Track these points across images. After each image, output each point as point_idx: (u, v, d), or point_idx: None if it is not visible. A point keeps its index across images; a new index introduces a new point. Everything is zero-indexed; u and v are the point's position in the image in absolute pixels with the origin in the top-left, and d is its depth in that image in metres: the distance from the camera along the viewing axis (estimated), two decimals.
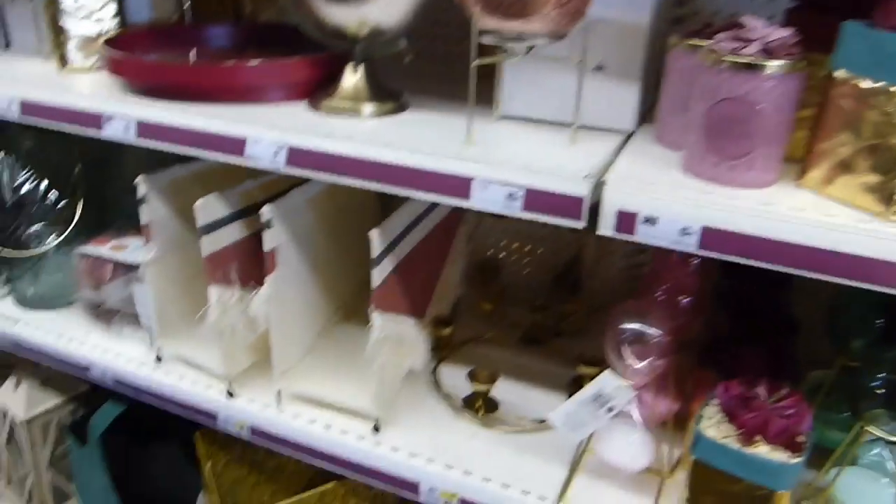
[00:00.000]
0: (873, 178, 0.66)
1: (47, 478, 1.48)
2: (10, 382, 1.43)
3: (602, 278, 1.26)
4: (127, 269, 1.14)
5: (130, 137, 0.93)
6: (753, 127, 0.69)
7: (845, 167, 0.69)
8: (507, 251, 1.37)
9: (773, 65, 0.66)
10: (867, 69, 0.65)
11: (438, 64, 1.25)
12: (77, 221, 1.22)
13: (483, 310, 1.28)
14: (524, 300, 1.32)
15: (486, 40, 0.78)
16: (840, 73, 0.68)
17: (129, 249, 1.16)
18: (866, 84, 0.65)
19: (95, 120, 0.95)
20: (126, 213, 1.28)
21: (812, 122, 0.72)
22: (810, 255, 0.64)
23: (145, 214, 1.03)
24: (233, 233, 1.00)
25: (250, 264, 1.01)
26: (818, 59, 0.70)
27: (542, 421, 1.01)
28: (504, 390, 1.07)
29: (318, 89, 0.95)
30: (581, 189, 0.71)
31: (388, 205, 1.34)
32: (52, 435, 1.44)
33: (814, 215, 0.66)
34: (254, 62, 0.93)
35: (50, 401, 1.42)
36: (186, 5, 1.27)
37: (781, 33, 0.69)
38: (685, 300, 0.94)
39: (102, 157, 1.29)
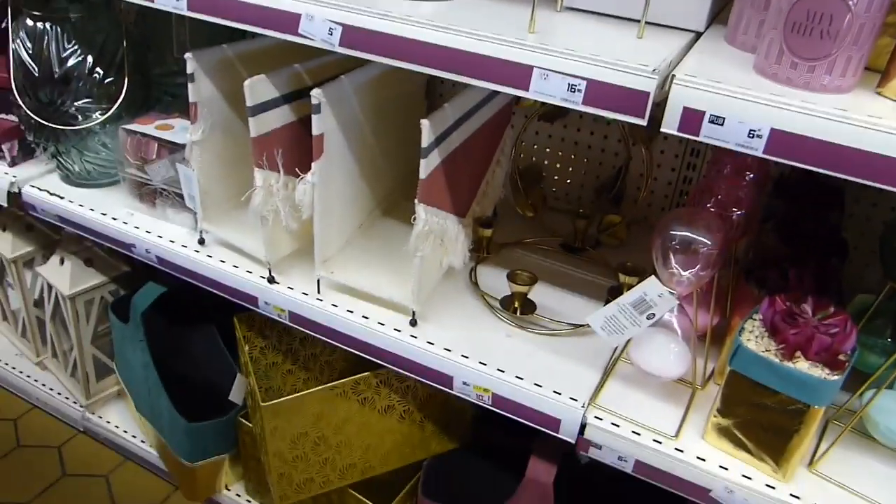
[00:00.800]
0: None
1: (90, 352, 1.54)
2: (54, 259, 1.47)
3: (646, 192, 1.23)
4: (172, 149, 1.14)
5: (182, 8, 0.90)
6: (840, 26, 0.65)
7: None
8: (552, 158, 1.34)
9: None
10: None
11: None
12: (123, 99, 1.21)
13: (524, 215, 1.27)
14: (566, 209, 1.31)
15: None
16: None
17: (175, 130, 1.16)
18: None
19: None
20: (171, 95, 1.28)
21: None
22: (886, 165, 0.62)
23: (193, 93, 1.02)
24: (281, 116, 0.98)
25: (296, 150, 1.01)
26: None
27: (578, 325, 1.02)
28: (541, 294, 1.07)
29: None
30: (647, 84, 0.68)
31: (434, 103, 1.32)
32: (96, 312, 1.49)
33: (893, 124, 0.63)
34: None
35: (93, 279, 1.46)
36: None
37: None
38: (736, 214, 0.92)
39: (148, 36, 1.27)
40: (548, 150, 1.34)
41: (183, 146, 1.07)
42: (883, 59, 0.71)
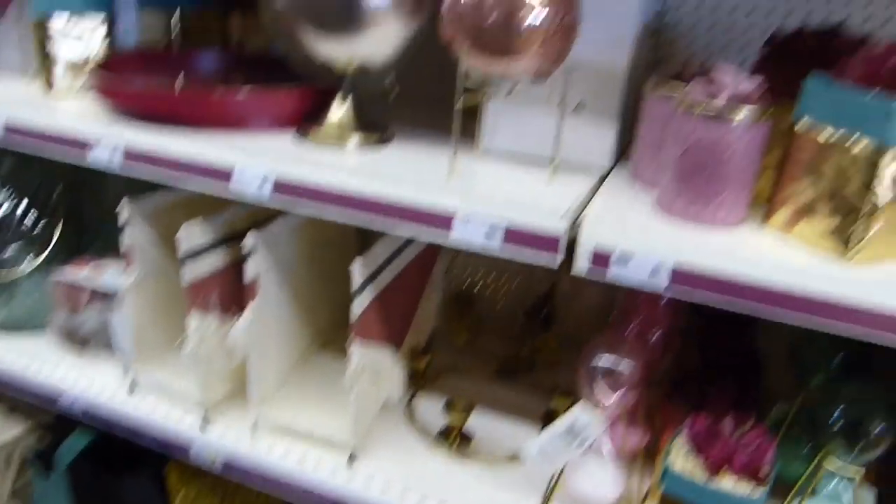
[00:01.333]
0: (833, 222, 0.70)
1: None
2: None
3: (575, 311, 1.28)
4: (104, 296, 1.13)
5: (115, 164, 0.93)
6: (722, 171, 0.72)
7: (808, 210, 0.72)
8: (483, 283, 1.39)
9: (741, 115, 0.70)
10: (827, 120, 0.70)
11: (423, 95, 1.28)
12: (55, 244, 1.22)
13: (459, 341, 1.30)
14: (499, 332, 1.35)
15: (472, 79, 0.81)
16: (803, 123, 0.72)
17: (108, 274, 1.16)
18: (826, 133, 0.70)
19: (81, 145, 0.95)
20: (106, 234, 1.28)
21: (778, 165, 0.76)
22: (771, 297, 0.67)
23: (127, 239, 1.03)
24: (215, 260, 1.01)
25: (231, 291, 1.02)
26: (786, 104, 0.74)
27: (516, 454, 1.03)
28: (478, 422, 1.08)
29: (305, 119, 0.98)
30: (558, 228, 0.74)
31: (367, 234, 1.36)
32: (15, 464, 1.41)
33: (776, 257, 0.70)
34: (243, 93, 0.95)
35: (16, 428, 1.39)
36: (175, 30, 1.29)
37: (750, 83, 0.73)
38: (655, 335, 0.97)
39: (83, 178, 1.29)
40: (479, 275, 1.39)
41: (115, 292, 1.07)
42: (770, 191, 0.78)
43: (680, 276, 0.69)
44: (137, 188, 1.08)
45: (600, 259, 0.72)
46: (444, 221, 0.78)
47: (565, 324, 1.30)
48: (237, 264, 0.99)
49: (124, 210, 1.03)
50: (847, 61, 0.72)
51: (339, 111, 0.95)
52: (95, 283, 1.14)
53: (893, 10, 0.99)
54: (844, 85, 0.69)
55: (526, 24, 0.75)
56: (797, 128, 0.72)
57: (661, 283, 0.70)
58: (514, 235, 0.76)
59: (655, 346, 0.96)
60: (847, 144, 0.68)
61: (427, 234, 0.80)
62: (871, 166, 0.66)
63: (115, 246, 1.09)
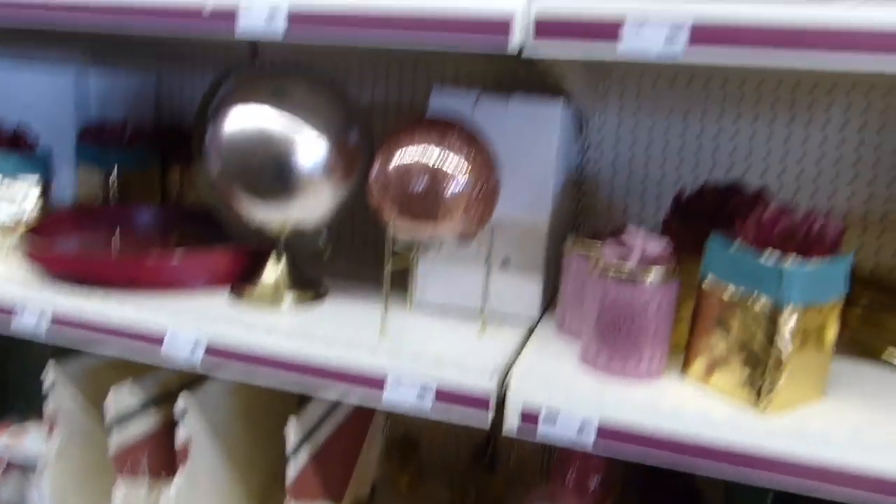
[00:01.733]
0: (744, 374, 0.74)
1: None
2: None
3: (519, 451, 1.28)
4: (22, 466, 1.08)
5: (42, 330, 0.92)
6: (638, 329, 0.76)
7: (721, 362, 0.76)
8: (426, 427, 1.38)
9: (651, 277, 0.75)
10: (729, 278, 0.75)
11: (358, 248, 1.32)
12: None
13: (402, 487, 1.27)
14: (443, 475, 1.32)
15: (400, 243, 0.85)
16: (708, 280, 0.77)
17: (29, 440, 1.11)
18: (729, 291, 0.75)
19: (6, 311, 0.94)
20: (31, 395, 1.24)
21: (692, 318, 0.81)
22: (691, 450, 0.69)
23: (51, 404, 1.00)
24: (144, 424, 0.98)
25: (161, 455, 0.99)
26: (695, 259, 0.79)
27: None
28: None
29: (240, 278, 0.99)
30: (488, 388, 0.75)
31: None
32: None
33: (695, 410, 0.72)
34: (176, 257, 0.96)
35: None
36: (113, 186, 1.31)
37: (657, 245, 0.78)
38: (594, 482, 0.97)
39: (6, 340, 1.26)
40: (421, 419, 1.38)
41: (35, 462, 1.02)
42: (685, 341, 0.82)
43: (605, 433, 0.71)
44: (65, 347, 1.06)
45: (529, 418, 0.73)
46: (376, 384, 0.79)
47: (509, 464, 1.29)
48: (168, 426, 0.97)
49: (49, 374, 1.00)
50: (743, 222, 0.78)
51: (273, 271, 0.97)
52: (13, 453, 1.08)
53: (785, 163, 1.09)
54: (741, 246, 0.75)
55: (449, 192, 0.80)
56: (704, 285, 0.78)
57: (589, 440, 0.71)
58: (444, 396, 0.77)
59: (595, 494, 0.96)
60: (748, 302, 0.73)
61: (360, 396, 0.80)
62: (772, 322, 0.71)
63: (39, 406, 1.05)
